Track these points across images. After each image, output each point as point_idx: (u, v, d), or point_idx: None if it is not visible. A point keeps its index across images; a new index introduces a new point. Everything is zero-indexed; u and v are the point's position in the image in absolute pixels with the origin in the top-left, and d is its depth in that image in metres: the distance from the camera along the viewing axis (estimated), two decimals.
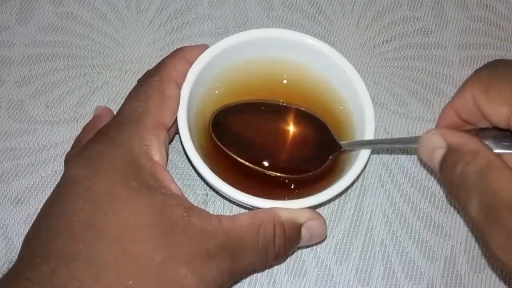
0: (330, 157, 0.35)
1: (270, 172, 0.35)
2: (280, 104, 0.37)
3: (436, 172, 0.28)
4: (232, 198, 0.32)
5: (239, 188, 0.32)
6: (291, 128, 0.37)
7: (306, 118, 0.37)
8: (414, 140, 0.30)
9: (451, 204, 0.38)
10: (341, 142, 0.35)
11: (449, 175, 0.27)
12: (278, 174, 0.35)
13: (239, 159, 0.35)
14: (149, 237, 0.27)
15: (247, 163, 0.35)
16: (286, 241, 0.30)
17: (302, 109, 0.37)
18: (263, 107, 0.37)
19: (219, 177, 0.32)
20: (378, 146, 0.34)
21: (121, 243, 0.27)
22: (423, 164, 0.39)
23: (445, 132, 0.28)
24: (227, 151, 0.35)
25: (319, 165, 0.35)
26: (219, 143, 0.35)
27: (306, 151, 0.36)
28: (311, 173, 0.35)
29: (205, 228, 0.28)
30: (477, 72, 0.29)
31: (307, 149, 0.36)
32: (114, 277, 0.26)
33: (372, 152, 0.35)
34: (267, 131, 0.37)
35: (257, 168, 0.35)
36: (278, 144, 0.36)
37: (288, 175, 0.35)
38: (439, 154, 0.28)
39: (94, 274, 0.26)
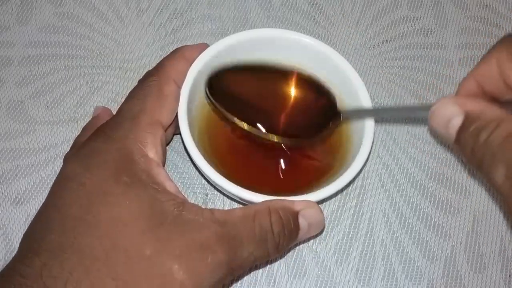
0: (330, 124, 0.34)
1: (270, 135, 0.34)
2: (281, 66, 0.36)
3: (451, 142, 0.27)
4: (233, 194, 0.32)
5: (241, 175, 0.32)
6: (292, 92, 0.35)
7: (308, 82, 0.35)
8: (425, 107, 0.28)
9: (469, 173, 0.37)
10: (342, 110, 0.34)
11: (470, 145, 0.26)
12: (276, 140, 0.34)
13: (237, 121, 0.34)
14: (138, 231, 0.27)
15: (246, 125, 0.34)
16: (285, 229, 0.30)
17: (305, 73, 0.36)
18: (262, 70, 0.36)
19: (220, 173, 0.32)
20: (383, 115, 0.32)
21: (111, 237, 0.27)
22: (433, 134, 0.38)
23: (460, 100, 0.27)
24: (225, 112, 0.34)
25: (319, 132, 0.34)
26: (216, 104, 0.34)
27: (308, 117, 0.35)
28: (310, 139, 0.35)
29: (196, 221, 0.28)
30: (503, 38, 0.27)
31: (308, 114, 0.35)
32: (104, 270, 0.26)
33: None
34: (266, 95, 0.35)
35: (257, 129, 0.34)
36: (278, 108, 0.35)
37: (287, 140, 0.35)
38: (455, 123, 0.26)
39: (85, 266, 0.26)
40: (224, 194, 0.38)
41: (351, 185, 0.38)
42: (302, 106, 0.35)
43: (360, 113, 0.33)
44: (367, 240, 0.37)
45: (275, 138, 0.34)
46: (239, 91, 0.35)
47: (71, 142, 0.35)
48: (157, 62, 0.34)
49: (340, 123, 0.34)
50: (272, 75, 0.35)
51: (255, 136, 0.34)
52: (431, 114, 0.28)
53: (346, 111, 0.33)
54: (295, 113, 0.35)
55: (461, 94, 0.30)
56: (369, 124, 0.34)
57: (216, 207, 0.37)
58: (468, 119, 0.26)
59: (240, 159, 0.37)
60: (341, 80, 0.36)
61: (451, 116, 0.27)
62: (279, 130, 0.34)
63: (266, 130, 0.34)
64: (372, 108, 0.31)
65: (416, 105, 0.32)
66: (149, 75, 0.33)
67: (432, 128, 0.28)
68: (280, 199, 0.31)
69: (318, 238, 0.37)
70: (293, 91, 0.35)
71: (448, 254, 0.36)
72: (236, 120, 0.34)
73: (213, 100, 0.34)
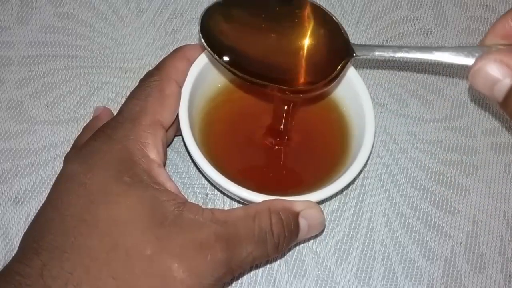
0: (342, 63, 0.31)
1: (275, 85, 0.31)
2: None
3: (495, 103, 0.25)
4: (233, 194, 0.32)
5: (242, 175, 0.31)
6: (299, 30, 0.32)
7: (315, 16, 0.32)
8: (461, 53, 0.26)
9: None
10: (356, 47, 0.31)
11: None
12: (284, 87, 0.31)
13: (238, 73, 0.30)
14: (139, 230, 0.27)
15: (250, 78, 0.30)
16: (285, 230, 0.30)
17: (311, 4, 0.32)
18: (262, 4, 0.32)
19: (220, 172, 0.32)
20: (406, 56, 0.28)
21: (111, 236, 0.27)
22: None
23: (506, 58, 0.24)
24: (223, 63, 0.30)
25: (329, 74, 0.31)
26: (212, 54, 0.30)
27: (316, 57, 0.32)
28: (320, 84, 0.31)
29: (196, 220, 0.28)
30: None
31: (317, 54, 0.32)
32: (104, 269, 0.26)
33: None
34: (269, 34, 0.32)
35: (261, 82, 0.30)
36: (283, 49, 0.32)
37: (295, 88, 0.31)
38: (503, 86, 0.24)
39: (84, 266, 0.26)
40: (224, 194, 0.38)
41: (351, 185, 0.38)
42: (313, 44, 0.32)
43: (374, 50, 0.29)
44: (367, 240, 0.37)
45: (277, 88, 0.31)
46: (239, 34, 0.32)
47: (71, 142, 0.36)
48: (158, 62, 0.34)
49: (351, 59, 0.31)
50: (275, 7, 0.32)
51: (260, 91, 0.31)
52: (472, 73, 0.25)
53: (359, 46, 0.30)
54: (304, 53, 0.32)
55: (493, 33, 0.27)
56: (370, 124, 0.34)
57: (216, 207, 0.37)
58: None
59: (241, 158, 0.37)
60: (342, 80, 0.36)
61: (497, 77, 0.24)
62: (286, 75, 0.31)
63: (272, 77, 0.31)
64: (391, 45, 0.29)
65: (449, 49, 0.28)
66: (150, 75, 0.33)
67: (473, 87, 0.26)
68: (281, 199, 0.31)
69: (318, 238, 0.37)
70: (300, 26, 0.32)
71: (448, 254, 0.36)
72: (237, 72, 0.31)
73: (210, 50, 0.30)
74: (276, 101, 0.35)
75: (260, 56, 0.32)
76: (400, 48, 0.29)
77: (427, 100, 0.42)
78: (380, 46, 0.30)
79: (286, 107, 0.35)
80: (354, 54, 0.31)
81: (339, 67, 0.31)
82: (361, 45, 0.31)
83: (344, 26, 0.32)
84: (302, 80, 0.32)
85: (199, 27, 0.31)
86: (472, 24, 0.46)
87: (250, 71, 0.31)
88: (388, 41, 0.44)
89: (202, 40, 0.30)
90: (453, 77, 0.43)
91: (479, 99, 0.42)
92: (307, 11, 0.32)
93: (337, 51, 0.31)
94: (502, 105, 0.25)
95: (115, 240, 0.27)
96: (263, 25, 0.32)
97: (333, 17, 0.31)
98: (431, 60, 0.28)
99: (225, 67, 0.31)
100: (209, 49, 0.30)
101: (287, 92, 0.32)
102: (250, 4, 0.32)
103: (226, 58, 0.31)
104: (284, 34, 0.32)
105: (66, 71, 0.42)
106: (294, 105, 0.35)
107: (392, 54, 0.29)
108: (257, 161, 0.37)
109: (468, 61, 0.27)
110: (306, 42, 0.32)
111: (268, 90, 0.32)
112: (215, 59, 0.31)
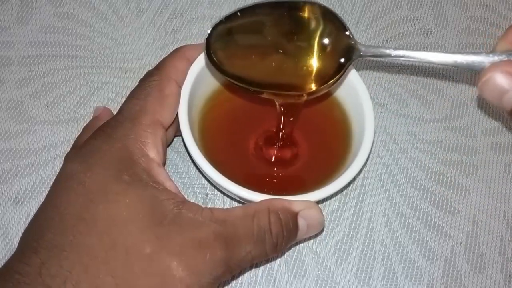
0: (348, 63, 0.31)
1: (284, 92, 0.32)
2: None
3: (505, 112, 0.26)
4: (233, 193, 0.32)
5: (241, 174, 0.31)
6: (304, 34, 0.32)
7: (319, 17, 0.32)
8: (470, 64, 0.26)
9: None
10: (362, 48, 0.31)
11: None
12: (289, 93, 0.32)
13: (241, 84, 0.31)
14: (138, 229, 0.27)
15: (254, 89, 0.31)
16: (283, 230, 0.30)
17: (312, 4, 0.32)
18: (261, 13, 0.32)
19: (220, 172, 0.32)
20: (415, 59, 0.29)
21: (110, 235, 0.27)
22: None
23: None
24: (230, 80, 0.31)
25: (335, 75, 0.31)
26: (218, 69, 0.31)
27: (322, 58, 0.32)
28: (325, 86, 0.31)
29: (196, 219, 0.28)
30: None
31: (323, 56, 0.32)
32: (103, 268, 0.26)
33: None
34: (275, 42, 0.32)
35: (271, 92, 0.31)
36: (287, 55, 0.32)
37: (301, 92, 0.32)
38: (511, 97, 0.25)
39: (83, 265, 0.26)
40: (224, 194, 0.38)
41: (351, 185, 0.38)
42: (319, 46, 0.32)
43: (382, 51, 0.30)
44: (367, 240, 0.37)
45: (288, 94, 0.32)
46: (244, 48, 0.32)
47: (71, 142, 0.36)
48: (158, 62, 0.34)
49: (355, 59, 0.31)
50: (280, 13, 0.32)
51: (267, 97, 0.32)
52: (481, 83, 0.26)
53: (366, 46, 0.30)
54: (309, 56, 0.32)
55: (510, 40, 0.28)
56: (369, 124, 0.34)
57: (216, 207, 0.37)
58: None
59: (241, 157, 0.37)
60: (342, 80, 0.36)
61: (506, 88, 0.25)
62: (292, 80, 0.32)
63: (279, 83, 0.31)
64: (399, 50, 0.29)
65: (456, 55, 0.28)
66: (150, 75, 0.33)
67: (482, 96, 0.27)
68: (280, 199, 0.31)
69: (318, 238, 0.37)
70: (305, 29, 0.32)
71: (448, 254, 0.36)
72: (243, 85, 0.31)
73: (216, 70, 0.31)
74: (278, 105, 0.35)
75: (267, 65, 0.32)
76: (407, 50, 0.30)
77: (427, 100, 0.42)
78: (387, 48, 0.30)
79: (288, 109, 0.35)
80: (361, 54, 0.31)
81: (344, 68, 0.31)
82: (367, 45, 0.31)
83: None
84: (307, 83, 0.32)
85: (204, 51, 0.31)
86: (472, 24, 0.46)
87: (257, 82, 0.31)
88: (388, 41, 0.44)
89: (208, 60, 0.31)
90: (453, 77, 0.43)
91: (479, 99, 0.42)
92: (312, 13, 0.32)
93: (342, 52, 0.31)
94: (511, 114, 0.26)
95: (114, 238, 0.27)
96: (268, 33, 0.32)
97: (339, 17, 0.31)
98: (441, 63, 0.29)
99: (232, 82, 0.31)
100: (216, 68, 0.31)
101: (293, 97, 0.32)
102: (254, 14, 0.32)
103: (232, 73, 0.31)
104: (289, 39, 0.32)
105: (66, 71, 0.42)
106: (296, 107, 0.35)
107: (403, 53, 0.30)
108: (257, 160, 0.37)
109: (478, 67, 0.28)
110: (311, 45, 0.32)
111: (278, 98, 0.32)
112: (224, 76, 0.31)
